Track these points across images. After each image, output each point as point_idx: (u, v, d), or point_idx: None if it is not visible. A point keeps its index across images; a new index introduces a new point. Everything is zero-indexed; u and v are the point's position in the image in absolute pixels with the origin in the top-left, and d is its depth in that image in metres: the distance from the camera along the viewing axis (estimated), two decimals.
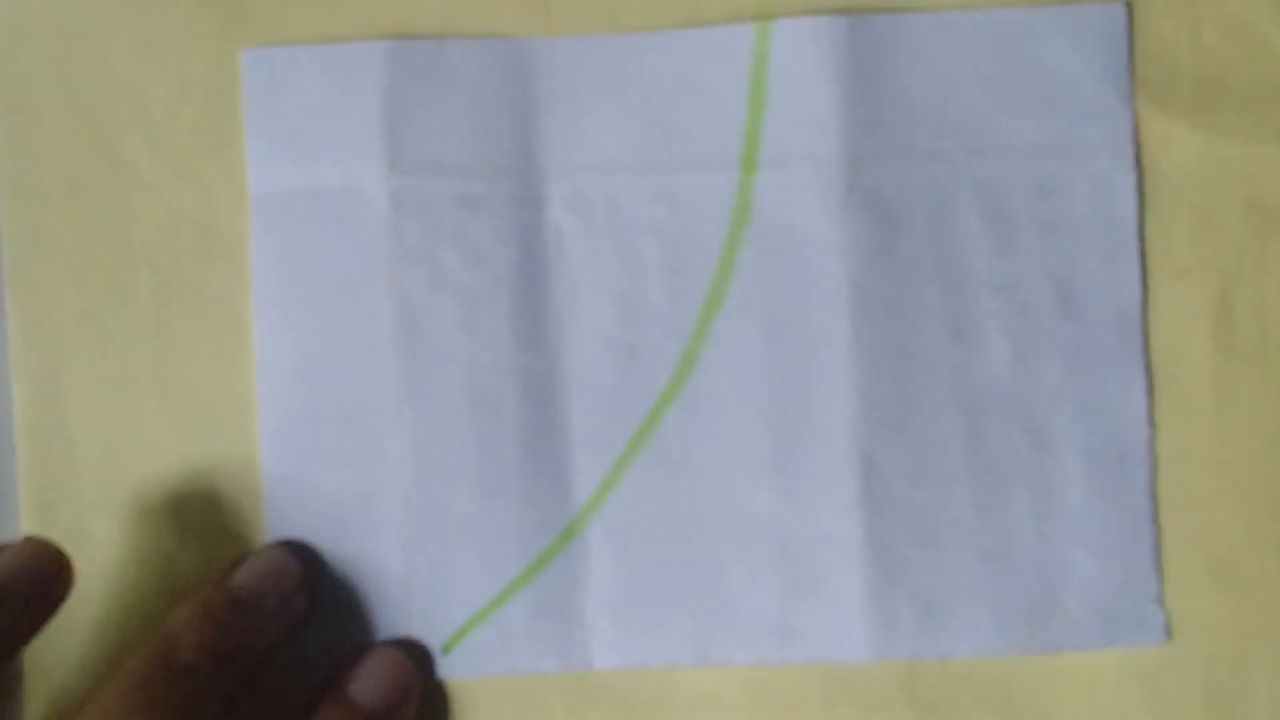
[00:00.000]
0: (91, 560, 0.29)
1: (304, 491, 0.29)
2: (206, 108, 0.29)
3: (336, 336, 0.29)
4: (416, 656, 0.29)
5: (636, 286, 0.29)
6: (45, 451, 0.29)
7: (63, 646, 0.29)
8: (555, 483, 0.29)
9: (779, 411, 0.29)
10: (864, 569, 0.28)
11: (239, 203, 0.29)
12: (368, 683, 0.27)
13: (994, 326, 0.29)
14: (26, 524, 0.29)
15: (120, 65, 0.29)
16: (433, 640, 0.29)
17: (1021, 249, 0.29)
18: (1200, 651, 0.29)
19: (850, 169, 0.29)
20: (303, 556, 0.28)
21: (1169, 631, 0.28)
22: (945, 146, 0.29)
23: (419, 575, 0.29)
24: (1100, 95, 0.29)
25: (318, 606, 0.29)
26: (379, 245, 0.29)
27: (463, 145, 0.29)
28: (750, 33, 0.29)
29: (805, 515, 0.29)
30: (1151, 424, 0.29)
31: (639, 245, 0.29)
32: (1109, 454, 0.29)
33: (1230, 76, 0.29)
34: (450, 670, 0.29)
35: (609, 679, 0.29)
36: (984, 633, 0.28)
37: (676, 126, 0.29)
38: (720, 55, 0.29)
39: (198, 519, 0.29)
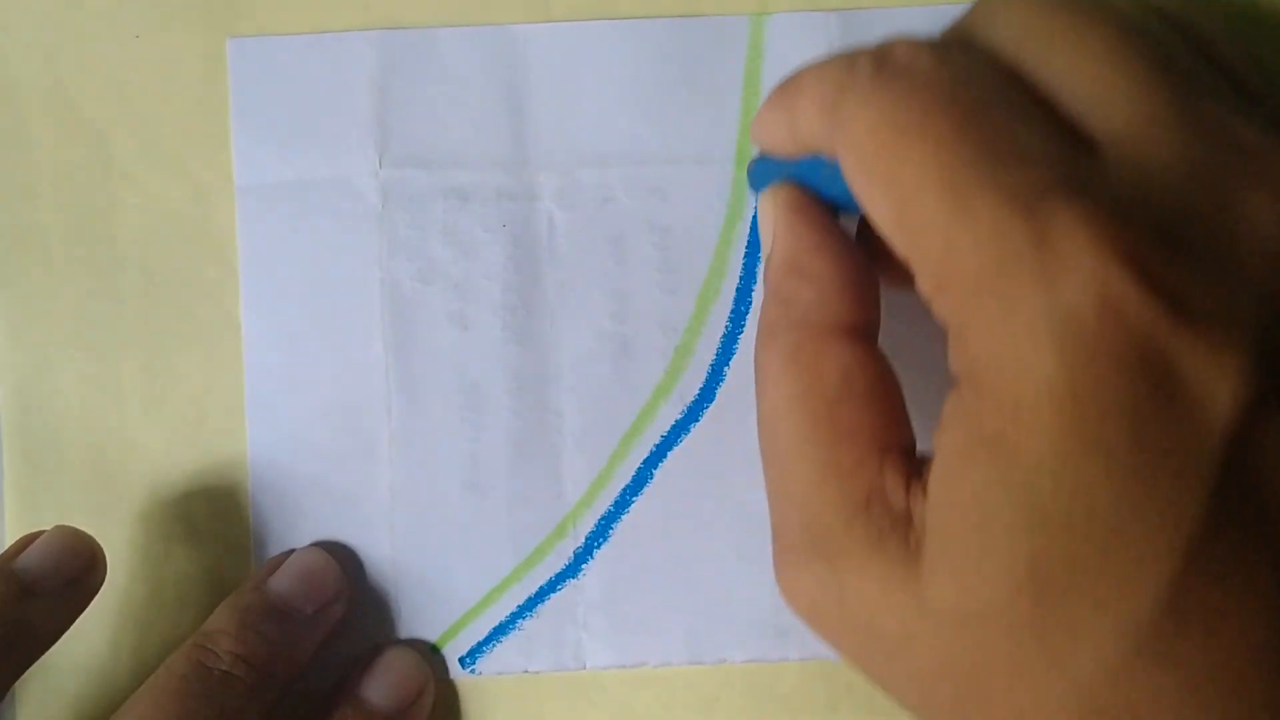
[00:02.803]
0: None
1: (291, 487, 0.28)
2: (195, 102, 0.29)
3: (325, 331, 0.28)
4: (428, 656, 0.28)
5: (630, 280, 0.29)
6: (30, 453, 0.28)
7: (50, 650, 0.28)
8: (547, 479, 0.28)
9: None
10: None
11: (229, 198, 0.29)
12: (380, 683, 0.27)
13: None
14: (11, 527, 0.28)
15: (107, 59, 0.29)
16: (422, 639, 0.28)
17: None
18: None
19: None
20: (341, 558, 0.28)
21: None
22: None
23: (408, 573, 0.28)
24: None
25: None
26: (368, 238, 0.28)
27: (453, 136, 0.28)
28: (745, 25, 0.29)
29: None
30: None
31: (632, 238, 0.29)
32: None
33: None
34: (440, 670, 0.28)
35: (608, 681, 0.28)
36: None
37: (671, 118, 0.29)
38: (715, 46, 0.29)
39: (185, 521, 0.28)
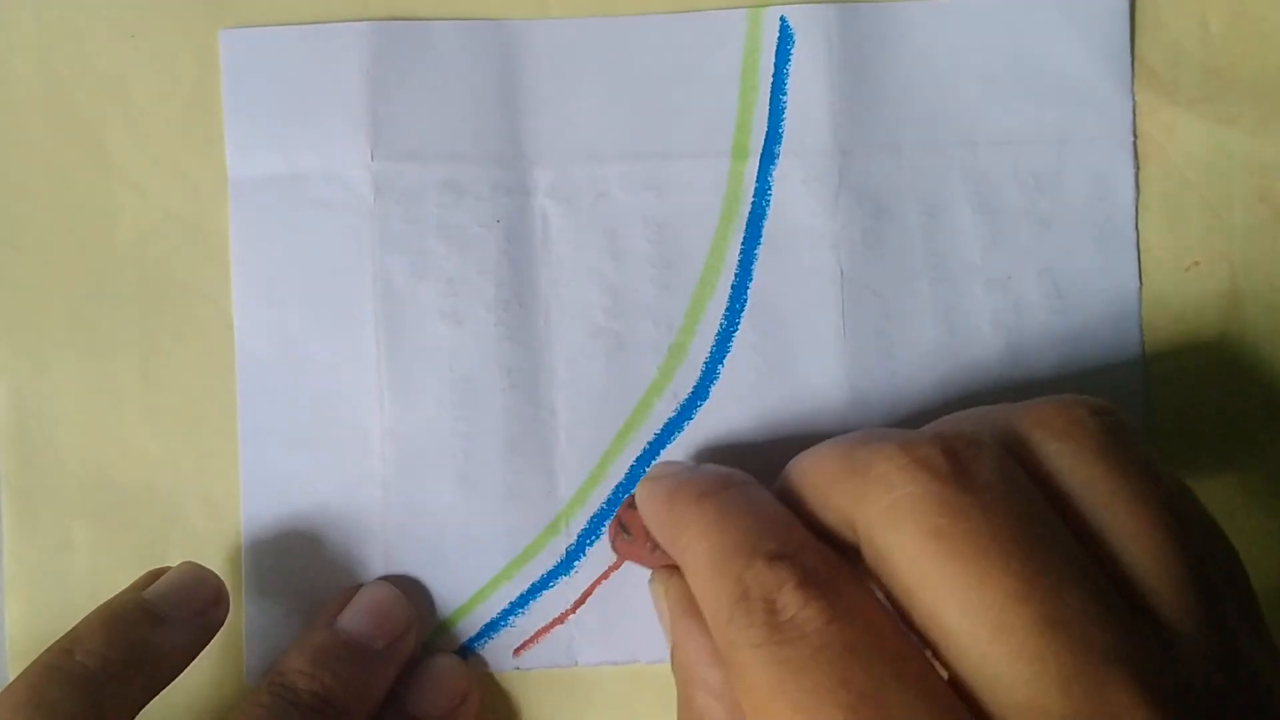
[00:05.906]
0: (73, 565, 0.28)
1: (282, 483, 0.28)
2: (191, 99, 0.29)
3: (317, 326, 0.28)
4: (470, 660, 0.28)
5: (624, 276, 0.28)
6: (27, 454, 0.28)
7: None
8: (540, 476, 0.28)
9: (768, 405, 0.28)
10: None
11: (225, 198, 0.28)
12: (423, 692, 0.27)
13: (986, 320, 0.28)
14: (9, 528, 0.28)
15: (102, 57, 0.29)
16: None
17: (1015, 241, 0.28)
18: None
19: (841, 159, 0.28)
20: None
21: None
22: (938, 137, 0.28)
23: (400, 569, 0.28)
24: (1099, 85, 0.28)
25: (297, 605, 0.28)
26: (361, 232, 0.28)
27: (447, 130, 0.28)
28: (743, 20, 0.28)
29: None
30: (1152, 421, 0.28)
31: (627, 234, 0.28)
32: None
33: (1238, 67, 0.28)
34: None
35: (606, 680, 0.28)
36: None
37: (667, 113, 0.28)
38: (712, 42, 0.28)
39: (182, 523, 0.28)
